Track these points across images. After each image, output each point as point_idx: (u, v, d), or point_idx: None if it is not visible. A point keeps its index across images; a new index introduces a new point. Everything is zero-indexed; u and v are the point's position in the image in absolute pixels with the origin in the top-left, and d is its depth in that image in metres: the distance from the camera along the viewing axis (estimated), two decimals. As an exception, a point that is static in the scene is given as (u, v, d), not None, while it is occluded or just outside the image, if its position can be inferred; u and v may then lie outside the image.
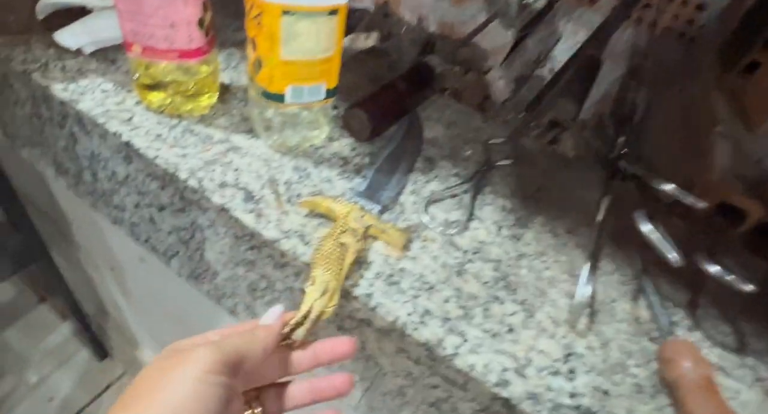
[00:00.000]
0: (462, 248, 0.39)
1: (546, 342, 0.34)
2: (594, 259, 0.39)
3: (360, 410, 0.44)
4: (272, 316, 0.28)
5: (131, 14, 0.37)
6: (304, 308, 0.30)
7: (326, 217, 0.39)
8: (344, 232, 0.35)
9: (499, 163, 0.48)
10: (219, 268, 0.45)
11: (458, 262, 0.38)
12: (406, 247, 0.38)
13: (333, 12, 0.35)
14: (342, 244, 0.34)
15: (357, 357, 0.39)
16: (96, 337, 1.13)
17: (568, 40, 0.58)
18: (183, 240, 0.47)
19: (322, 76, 0.39)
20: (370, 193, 0.41)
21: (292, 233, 0.37)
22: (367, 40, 0.75)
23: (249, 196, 0.39)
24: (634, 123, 0.52)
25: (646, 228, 0.35)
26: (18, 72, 0.46)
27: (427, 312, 0.34)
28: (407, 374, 0.36)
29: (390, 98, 0.49)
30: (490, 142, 0.50)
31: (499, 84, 0.66)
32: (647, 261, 0.40)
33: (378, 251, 0.37)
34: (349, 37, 0.72)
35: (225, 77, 0.51)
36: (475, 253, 0.39)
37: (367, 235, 0.37)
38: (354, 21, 0.70)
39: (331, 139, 0.46)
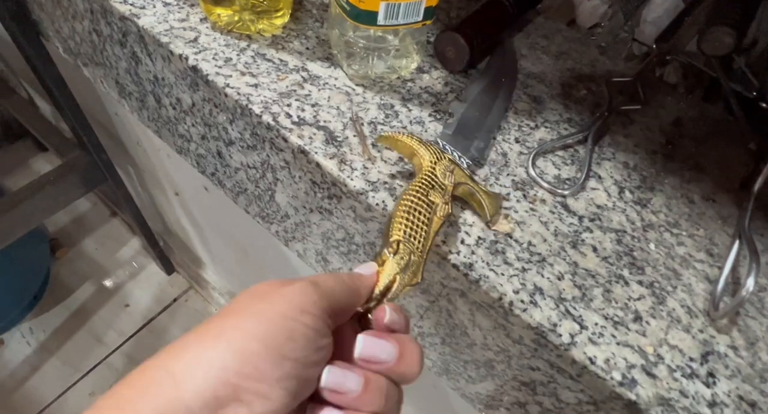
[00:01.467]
0: (577, 213, 0.33)
1: (680, 336, 0.28)
2: (747, 236, 0.32)
3: (434, 370, 0.42)
4: (368, 271, 0.24)
5: None
6: (383, 282, 0.24)
7: (405, 160, 0.33)
8: (432, 187, 0.28)
9: (623, 108, 0.39)
10: (290, 212, 0.42)
11: (573, 230, 0.32)
12: (495, 219, 0.31)
13: None
14: (429, 203, 0.27)
15: (440, 323, 0.36)
16: (163, 253, 1.18)
17: None
18: (252, 178, 0.43)
19: (425, -10, 0.31)
20: (459, 140, 0.34)
21: (381, 185, 0.32)
22: None
23: (330, 137, 0.33)
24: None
25: None
26: (73, -21, 0.41)
27: (538, 289, 0.29)
28: (501, 351, 0.32)
29: (492, 20, 0.41)
30: (614, 80, 0.41)
31: (588, 6, 0.54)
32: (811, 243, 0.33)
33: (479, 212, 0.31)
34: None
35: (298, -10, 0.43)
36: (592, 220, 0.33)
37: (455, 196, 0.30)
38: None
39: (421, 70, 0.39)
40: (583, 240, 0.31)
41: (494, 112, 0.37)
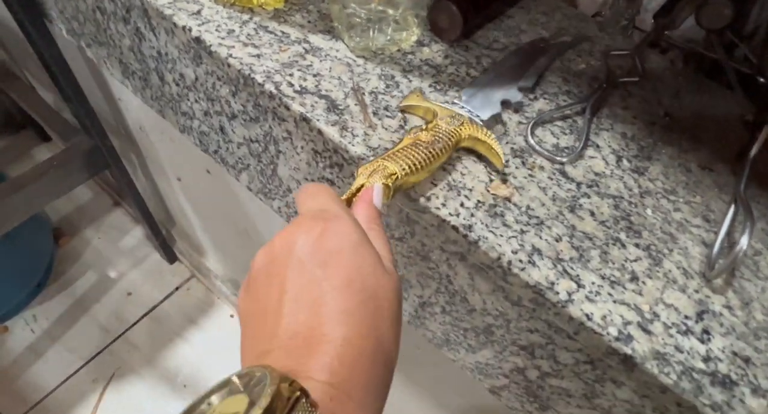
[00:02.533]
0: (575, 180, 0.33)
1: (676, 295, 0.29)
2: (742, 198, 0.32)
3: (435, 342, 0.42)
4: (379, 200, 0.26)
5: None
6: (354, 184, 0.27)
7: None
8: (428, 130, 0.30)
9: (621, 80, 0.40)
10: (293, 186, 0.42)
11: (571, 195, 0.32)
12: (503, 168, 0.32)
13: None
14: (417, 141, 0.29)
15: (440, 290, 0.36)
16: (165, 241, 1.19)
17: None
18: (255, 153, 0.43)
19: (426, -43, 0.31)
20: (477, 104, 0.35)
21: (381, 151, 0.32)
22: None
23: (332, 106, 0.34)
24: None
25: None
26: (77, -46, 0.41)
27: (536, 250, 0.29)
28: (500, 315, 0.33)
29: (491, -5, 0.41)
30: (612, 53, 0.41)
31: None
32: (806, 208, 0.33)
33: (477, 177, 0.32)
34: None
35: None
36: (590, 186, 0.33)
37: (459, 146, 0.32)
38: None
39: (421, 43, 0.40)
40: (580, 205, 0.32)
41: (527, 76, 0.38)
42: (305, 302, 0.20)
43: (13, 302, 1.12)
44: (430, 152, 0.29)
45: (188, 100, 0.46)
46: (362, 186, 0.27)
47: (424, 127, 0.31)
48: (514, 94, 0.37)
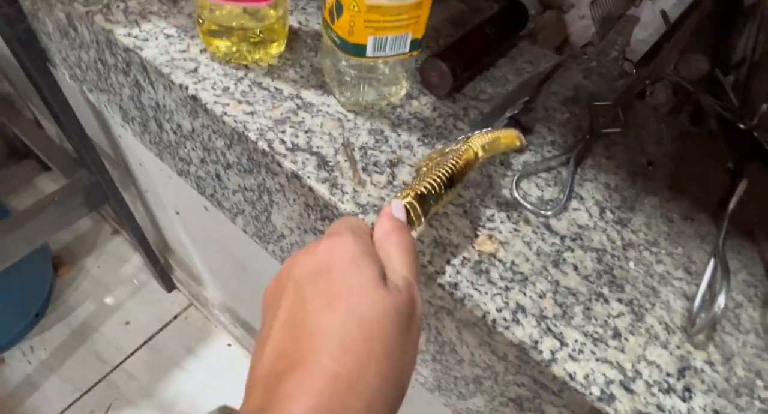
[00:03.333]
0: (559, 233, 0.34)
1: (657, 352, 0.29)
2: (723, 254, 0.33)
3: (427, 386, 0.43)
4: (400, 212, 0.26)
5: (196, -52, 0.32)
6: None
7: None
8: (447, 154, 0.31)
9: (604, 131, 0.41)
10: (286, 233, 0.43)
11: (555, 249, 0.33)
12: (521, 140, 0.33)
13: (432, -56, 0.28)
14: (449, 165, 0.30)
15: (430, 340, 0.37)
16: (164, 270, 1.19)
17: None
18: (249, 200, 0.44)
19: (410, 25, 0.33)
20: (482, 125, 0.37)
21: (370, 208, 0.33)
22: None
23: (322, 163, 0.35)
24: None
25: None
26: (81, 14, 0.43)
27: (520, 308, 0.30)
28: (488, 367, 0.33)
29: (475, 45, 0.43)
30: (595, 104, 0.42)
31: (581, 25, 0.57)
32: (785, 260, 0.34)
33: (463, 232, 0.33)
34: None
35: (293, 20, 0.46)
36: (574, 239, 0.34)
37: (477, 155, 0.32)
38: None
39: (410, 96, 0.41)
40: (564, 259, 0.33)
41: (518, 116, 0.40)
42: (291, 325, 0.20)
43: (11, 333, 1.11)
44: (448, 168, 0.29)
45: (185, 147, 0.47)
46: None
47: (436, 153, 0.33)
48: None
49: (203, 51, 0.41)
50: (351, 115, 0.39)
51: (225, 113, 0.37)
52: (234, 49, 0.40)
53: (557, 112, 0.43)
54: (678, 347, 0.30)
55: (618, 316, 0.31)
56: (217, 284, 1.05)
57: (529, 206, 0.35)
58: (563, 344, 0.29)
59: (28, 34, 0.57)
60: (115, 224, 1.35)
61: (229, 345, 1.20)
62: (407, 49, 0.35)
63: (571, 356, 0.28)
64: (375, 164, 0.36)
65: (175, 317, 1.24)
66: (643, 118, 0.44)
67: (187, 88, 0.38)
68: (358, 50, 0.33)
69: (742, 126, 0.42)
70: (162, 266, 1.18)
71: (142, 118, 0.51)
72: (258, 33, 0.39)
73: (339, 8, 0.32)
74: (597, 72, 0.48)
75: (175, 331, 1.22)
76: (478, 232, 0.33)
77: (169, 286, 1.25)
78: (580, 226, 0.35)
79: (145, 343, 1.20)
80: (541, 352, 0.28)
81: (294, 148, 0.35)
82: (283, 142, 0.36)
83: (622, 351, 0.29)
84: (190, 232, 0.90)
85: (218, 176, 0.46)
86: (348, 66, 0.37)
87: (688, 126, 0.45)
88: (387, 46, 0.34)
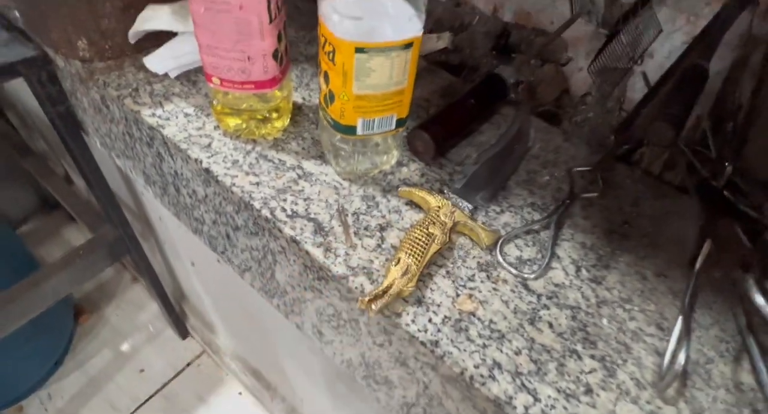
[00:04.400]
0: (536, 292, 0.37)
1: (628, 408, 0.31)
2: (689, 313, 0.35)
3: (421, 439, 0.44)
4: None
5: (211, 49, 0.38)
6: (385, 283, 0.34)
7: (419, 207, 0.41)
8: (433, 223, 0.37)
9: (583, 196, 0.44)
10: (288, 289, 0.47)
11: (532, 308, 0.36)
12: (492, 247, 0.39)
13: (407, 45, 0.33)
14: (429, 234, 0.36)
15: (420, 393, 0.39)
16: (179, 318, 1.23)
17: (666, 31, 0.51)
18: (256, 258, 0.48)
19: (394, 108, 0.38)
20: (465, 191, 0.42)
21: (360, 270, 0.36)
22: (438, 42, 0.72)
23: (318, 228, 0.39)
24: (740, 141, 0.46)
25: (760, 301, 0.31)
26: (113, 97, 0.49)
27: (496, 364, 0.32)
28: (472, 421, 0.35)
29: (457, 116, 0.47)
30: (575, 170, 0.46)
31: (579, 77, 0.61)
32: (753, 316, 0.36)
33: (446, 292, 0.36)
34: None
35: (297, 96, 0.51)
36: (550, 298, 0.37)
37: (455, 231, 0.39)
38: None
39: (400, 163, 0.45)
40: (540, 317, 0.35)
41: (500, 173, 0.45)
42: None
43: (31, 381, 1.15)
44: (429, 240, 0.36)
45: (199, 209, 0.52)
46: (391, 285, 0.33)
47: (428, 217, 0.38)
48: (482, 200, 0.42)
49: (216, 127, 0.46)
50: (346, 183, 0.43)
51: (234, 184, 0.41)
52: (243, 126, 0.45)
53: (537, 174, 0.47)
54: (648, 402, 0.31)
55: (590, 372, 0.33)
56: (229, 333, 1.08)
57: (512, 270, 0.38)
58: (536, 400, 0.31)
59: (67, 109, 0.64)
60: (134, 272, 1.41)
61: (240, 393, 1.20)
62: (393, 127, 0.39)
63: (543, 412, 0.30)
64: (366, 228, 0.39)
65: (188, 365, 1.26)
66: (621, 178, 0.48)
67: (201, 162, 0.43)
68: (350, 130, 0.38)
69: (713, 184, 0.45)
70: (177, 314, 1.21)
71: (162, 183, 0.56)
72: (265, 112, 0.44)
73: (331, 96, 0.37)
74: (577, 135, 0.52)
75: (187, 379, 1.24)
76: (459, 292, 0.36)
77: (183, 333, 1.28)
78: (556, 285, 0.37)
79: (158, 391, 1.22)
80: (515, 407, 0.30)
81: (293, 215, 0.40)
82: (283, 209, 0.40)
83: (594, 407, 0.31)
84: (204, 282, 0.94)
85: (228, 236, 0.50)
86: (342, 141, 0.41)
87: (664, 187, 0.48)
88: (375, 126, 0.38)
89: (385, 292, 0.33)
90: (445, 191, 0.42)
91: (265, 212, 0.40)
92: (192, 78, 0.51)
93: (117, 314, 1.34)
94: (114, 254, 0.89)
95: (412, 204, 0.42)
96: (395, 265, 0.34)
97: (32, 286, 0.79)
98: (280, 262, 0.44)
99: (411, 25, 0.32)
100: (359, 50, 0.32)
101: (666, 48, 0.50)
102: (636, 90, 0.57)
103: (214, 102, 0.44)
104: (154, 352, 1.28)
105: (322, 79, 0.37)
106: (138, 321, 1.33)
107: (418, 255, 0.35)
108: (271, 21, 0.36)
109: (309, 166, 0.44)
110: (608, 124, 0.57)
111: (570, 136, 0.52)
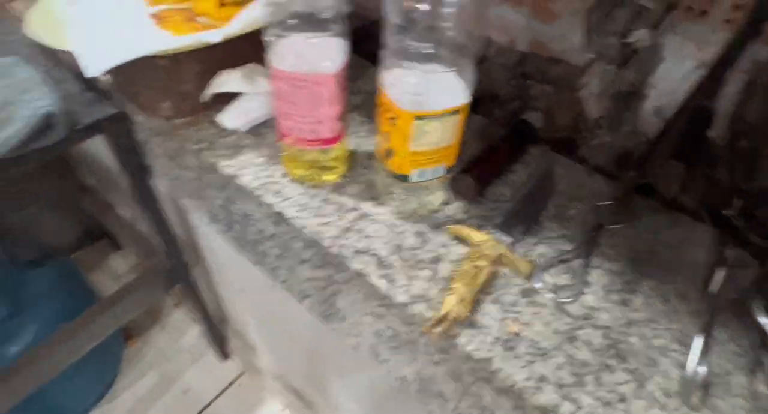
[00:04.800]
0: (572, 314, 0.43)
1: (658, 414, 0.36)
2: (707, 331, 0.40)
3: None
4: None
5: (288, 115, 0.45)
6: (444, 310, 0.40)
7: (465, 242, 0.47)
8: (479, 257, 0.44)
9: (608, 227, 0.50)
10: (347, 315, 0.53)
11: (569, 328, 0.41)
12: (530, 276, 0.45)
13: (457, 111, 0.40)
14: (477, 266, 0.43)
15: (474, 405, 0.44)
16: (221, 340, 1.30)
17: (674, 60, 0.55)
18: (318, 287, 0.55)
19: (444, 159, 0.44)
20: (505, 227, 0.48)
21: (419, 298, 0.43)
22: None
23: (380, 263, 0.45)
24: (751, 167, 0.51)
25: (764, 321, 0.36)
26: (193, 150, 0.57)
27: (542, 378, 0.38)
28: (522, 428, 0.41)
29: (493, 160, 0.54)
30: (598, 204, 0.52)
31: (593, 101, 0.67)
32: (765, 334, 0.41)
33: (495, 317, 0.42)
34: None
35: (351, 144, 0.58)
36: (584, 319, 0.42)
37: (498, 263, 0.45)
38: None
39: (445, 203, 0.52)
40: (577, 336, 0.41)
41: (531, 210, 0.51)
42: None
43: (85, 405, 1.22)
44: (478, 271, 0.43)
45: (265, 245, 0.59)
46: (449, 312, 0.39)
47: (474, 251, 0.45)
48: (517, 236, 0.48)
49: (284, 175, 0.54)
50: (399, 221, 0.50)
51: (305, 226, 0.48)
52: (308, 173, 0.52)
53: (565, 208, 0.53)
54: (676, 410, 0.37)
55: (623, 383, 0.38)
56: (272, 353, 1.14)
57: (550, 295, 0.44)
58: (579, 407, 0.36)
59: (138, 157, 0.73)
60: (178, 298, 1.48)
61: (281, 411, 1.26)
62: (442, 173, 0.46)
63: (585, 418, 0.36)
64: (420, 261, 0.46)
65: (230, 385, 1.32)
66: (642, 209, 0.53)
67: (273, 206, 0.50)
68: (405, 178, 0.45)
69: (725, 213, 0.50)
70: (220, 336, 1.28)
71: (227, 221, 0.63)
72: (326, 162, 0.51)
73: (390, 152, 0.44)
74: (600, 170, 0.58)
75: (230, 399, 1.30)
76: (506, 316, 0.42)
77: (225, 354, 1.35)
78: (588, 307, 0.43)
79: (202, 411, 1.28)
80: (561, 414, 0.36)
81: (358, 252, 0.46)
82: (349, 247, 0.47)
83: (628, 413, 0.36)
84: (251, 307, 1.01)
85: (292, 268, 0.57)
86: (396, 186, 0.48)
87: (683, 216, 0.53)
88: (427, 174, 0.45)
89: (445, 318, 0.39)
90: (488, 227, 0.48)
91: (334, 250, 0.46)
92: (259, 131, 0.59)
93: (161, 337, 1.41)
94: (168, 283, 0.97)
95: (459, 238, 0.48)
96: (451, 295, 0.41)
97: (94, 317, 0.87)
98: (344, 291, 0.50)
99: (461, 95, 0.39)
100: (418, 118, 0.39)
101: (677, 72, 0.54)
102: (651, 111, 0.62)
103: (284, 154, 0.52)
104: (197, 373, 1.35)
105: (382, 139, 0.44)
106: (181, 344, 1.40)
107: (470, 285, 0.41)
108: (338, 92, 0.44)
109: (367, 207, 0.51)
110: (625, 148, 0.63)
111: (592, 173, 0.58)
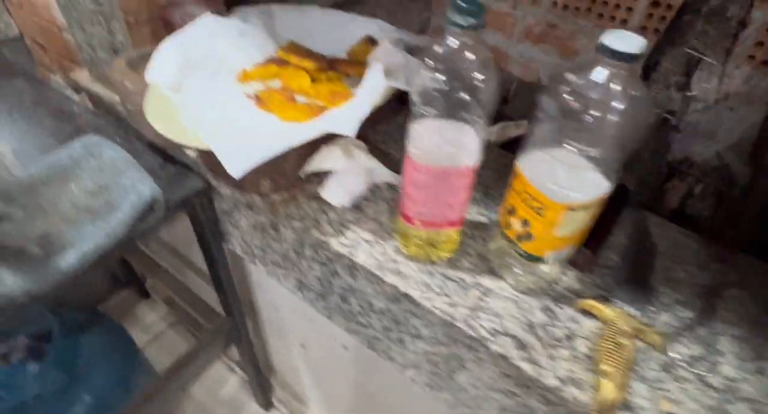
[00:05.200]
0: (715, 387, 0.44)
1: None
2: None
3: None
4: None
5: (423, 202, 0.46)
6: (603, 395, 0.40)
7: (590, 313, 0.48)
8: (617, 333, 0.45)
9: (719, 290, 0.52)
10: (469, 388, 0.53)
11: (717, 402, 0.42)
12: (664, 349, 0.46)
13: (601, 200, 0.42)
14: (618, 344, 0.44)
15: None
16: (265, 390, 1.27)
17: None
18: (433, 361, 0.55)
19: (578, 240, 0.46)
20: (628, 297, 0.50)
21: (568, 380, 0.43)
22: (518, 129, 0.82)
23: (519, 344, 0.46)
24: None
25: None
26: (297, 227, 0.57)
27: (710, 461, 0.39)
28: None
29: (602, 228, 0.55)
30: (710, 264, 0.53)
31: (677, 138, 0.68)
32: None
33: (645, 396, 0.43)
34: (499, 125, 0.79)
35: (448, 213, 0.59)
36: (727, 391, 0.43)
37: (634, 336, 0.45)
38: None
39: (562, 273, 0.53)
40: (726, 410, 0.42)
41: (642, 275, 0.53)
42: None
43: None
44: (621, 349, 0.44)
45: (369, 317, 0.59)
46: (613, 401, 0.40)
47: (610, 328, 0.46)
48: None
49: (396, 250, 0.54)
50: (522, 296, 0.50)
51: (434, 307, 0.49)
52: (422, 251, 0.53)
53: (671, 270, 0.54)
54: None
55: (788, 461, 0.39)
56: (325, 406, 1.13)
57: (690, 369, 0.45)
58: None
59: (215, 225, 0.73)
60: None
61: (331, 463, 1.23)
62: (570, 252, 0.47)
63: None
64: (556, 339, 0.47)
65: (276, 438, 1.29)
66: (747, 268, 0.55)
67: (397, 287, 0.51)
68: (539, 259, 0.46)
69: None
70: (265, 386, 1.26)
71: (322, 291, 0.63)
72: (441, 238, 0.52)
73: (529, 236, 0.45)
74: (696, 229, 0.60)
75: (276, 452, 1.27)
76: (654, 393, 0.43)
77: (267, 404, 1.32)
78: (730, 379, 0.44)
79: (247, 466, 1.24)
80: None
81: (493, 333, 0.47)
82: (482, 327, 0.47)
83: None
84: (312, 363, 1.00)
85: (401, 341, 0.57)
86: (516, 262, 0.49)
87: (779, 270, 0.55)
88: (562, 255, 0.46)
89: (611, 406, 0.40)
90: (607, 296, 0.49)
91: (470, 331, 0.47)
92: (358, 205, 0.60)
93: (200, 390, 1.38)
94: (227, 343, 0.96)
95: (583, 313, 0.49)
96: (605, 378, 0.41)
97: (156, 391, 0.85)
98: (469, 367, 0.51)
99: (605, 184, 0.41)
100: (570, 209, 0.40)
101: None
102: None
103: (397, 232, 0.52)
104: (239, 426, 1.31)
105: (517, 222, 0.45)
106: (220, 396, 1.37)
107: (620, 366, 0.42)
108: (474, 179, 0.45)
109: (486, 282, 0.52)
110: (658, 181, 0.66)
111: (688, 235, 0.60)
